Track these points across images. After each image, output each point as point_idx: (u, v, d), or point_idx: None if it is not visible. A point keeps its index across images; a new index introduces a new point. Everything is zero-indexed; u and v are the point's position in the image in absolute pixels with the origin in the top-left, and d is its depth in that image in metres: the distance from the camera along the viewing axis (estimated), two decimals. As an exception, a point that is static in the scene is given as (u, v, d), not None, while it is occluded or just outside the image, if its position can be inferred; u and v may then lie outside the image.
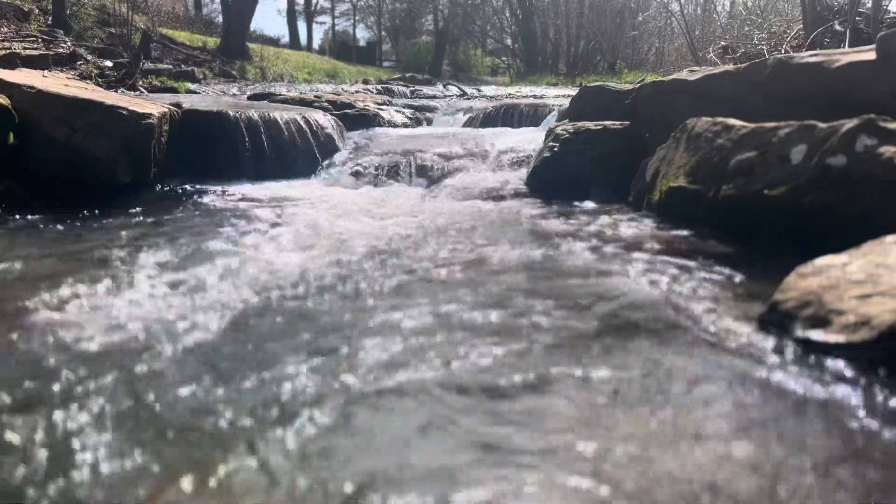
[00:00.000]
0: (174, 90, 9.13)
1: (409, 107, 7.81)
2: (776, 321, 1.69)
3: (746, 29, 11.79)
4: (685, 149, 3.07)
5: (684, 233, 2.84)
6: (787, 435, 1.22)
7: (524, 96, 9.97)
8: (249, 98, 8.02)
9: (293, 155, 4.99)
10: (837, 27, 7.91)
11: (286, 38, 30.12)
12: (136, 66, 9.67)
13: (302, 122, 5.15)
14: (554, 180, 4.09)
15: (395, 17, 36.29)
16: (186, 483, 1.09)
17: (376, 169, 4.95)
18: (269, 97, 7.58)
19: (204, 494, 1.06)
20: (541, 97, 9.15)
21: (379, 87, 12.81)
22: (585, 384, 1.43)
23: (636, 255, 2.51)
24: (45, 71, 7.48)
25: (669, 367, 1.51)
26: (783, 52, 8.54)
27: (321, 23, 37.89)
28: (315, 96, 7.58)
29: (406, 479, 1.09)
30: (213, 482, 1.09)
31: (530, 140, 5.28)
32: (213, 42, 17.70)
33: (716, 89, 3.60)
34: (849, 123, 2.33)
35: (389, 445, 1.19)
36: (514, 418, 1.28)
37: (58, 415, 1.30)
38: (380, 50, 34.88)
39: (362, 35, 37.90)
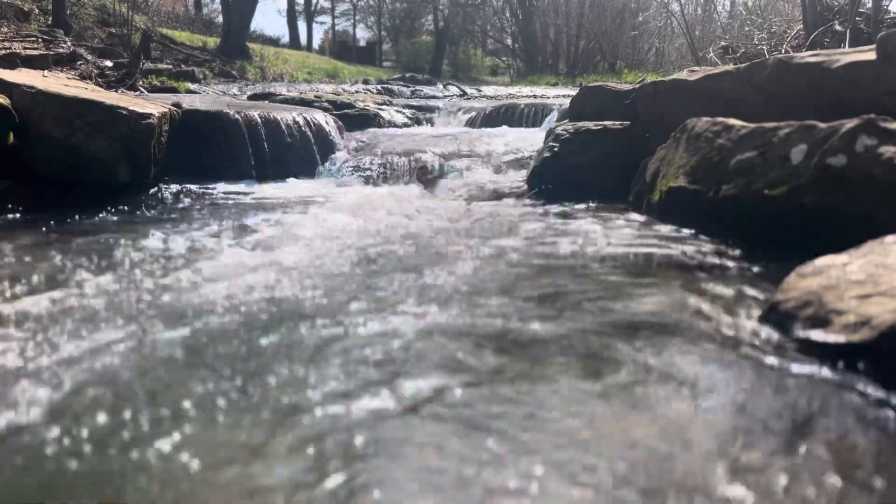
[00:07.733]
0: (174, 90, 9.12)
1: (410, 107, 7.82)
2: (776, 321, 1.69)
3: (746, 29, 11.79)
4: (685, 149, 3.07)
5: (684, 233, 2.84)
6: (786, 434, 1.22)
7: (524, 96, 9.97)
8: (249, 98, 8.03)
9: (293, 155, 5.00)
10: (837, 27, 7.92)
11: (286, 38, 30.07)
12: (136, 66, 9.66)
13: (302, 122, 5.15)
14: (554, 180, 4.09)
15: (395, 17, 36.25)
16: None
17: (377, 169, 4.96)
18: (269, 97, 7.59)
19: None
20: (541, 97, 9.15)
21: (379, 86, 12.82)
22: (579, 383, 1.43)
23: (636, 255, 2.51)
24: (45, 71, 7.48)
25: (668, 367, 1.51)
26: (783, 52, 8.54)
27: (321, 23, 37.90)
28: (315, 96, 7.59)
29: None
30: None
31: (530, 140, 5.29)
32: (213, 42, 17.69)
33: (716, 89, 3.60)
34: (849, 123, 2.33)
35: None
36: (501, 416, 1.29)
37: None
38: (380, 50, 34.84)
39: (362, 35, 37.86)
